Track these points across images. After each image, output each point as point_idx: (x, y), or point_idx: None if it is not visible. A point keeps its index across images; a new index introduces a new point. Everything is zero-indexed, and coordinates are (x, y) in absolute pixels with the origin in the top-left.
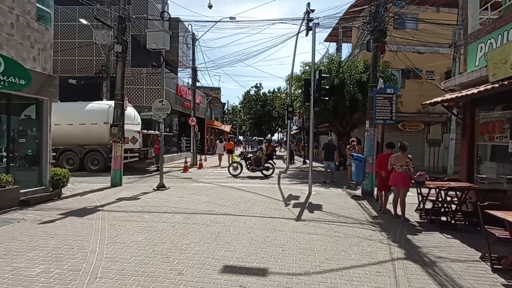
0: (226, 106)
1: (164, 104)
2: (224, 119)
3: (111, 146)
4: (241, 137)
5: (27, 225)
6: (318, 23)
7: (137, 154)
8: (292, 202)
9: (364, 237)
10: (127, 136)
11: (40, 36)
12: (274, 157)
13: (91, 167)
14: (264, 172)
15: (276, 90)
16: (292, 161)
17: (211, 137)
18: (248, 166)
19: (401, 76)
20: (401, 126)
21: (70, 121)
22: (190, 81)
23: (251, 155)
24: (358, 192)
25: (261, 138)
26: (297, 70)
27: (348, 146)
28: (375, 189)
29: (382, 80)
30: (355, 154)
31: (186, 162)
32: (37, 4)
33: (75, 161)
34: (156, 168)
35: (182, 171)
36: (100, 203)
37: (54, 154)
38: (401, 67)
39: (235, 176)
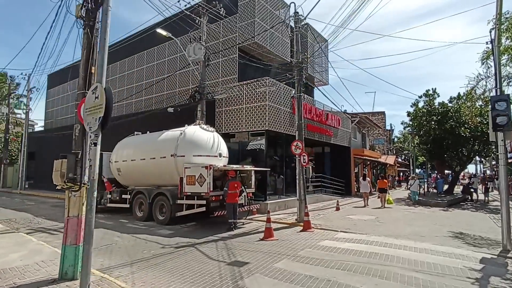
0: (393, 134)
1: (97, 97)
2: (391, 149)
3: (179, 187)
4: (418, 171)
5: None
6: None
7: (204, 202)
8: None
9: None
10: (192, 174)
11: None
12: None
13: (158, 216)
14: None
15: (463, 94)
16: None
17: (365, 171)
18: None
19: None
20: None
21: (143, 155)
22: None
23: None
24: None
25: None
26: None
27: None
28: None
29: None
30: None
31: (268, 220)
32: None
33: (145, 207)
34: (230, 226)
35: (262, 236)
36: None
37: (128, 197)
38: None
39: None
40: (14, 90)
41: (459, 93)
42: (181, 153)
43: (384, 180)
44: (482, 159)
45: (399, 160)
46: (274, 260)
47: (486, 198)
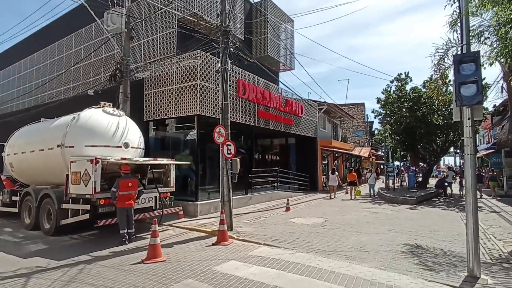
0: (373, 126)
1: None
2: (371, 142)
3: (65, 187)
4: (396, 163)
5: None
6: None
7: (88, 207)
8: None
9: None
10: (78, 170)
11: None
12: None
13: (45, 224)
14: None
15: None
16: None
17: (335, 165)
18: None
19: None
20: None
21: (33, 147)
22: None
23: None
24: None
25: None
26: None
27: None
28: None
29: None
30: None
31: (154, 234)
32: None
33: (33, 212)
34: (122, 239)
35: (145, 256)
36: None
37: (18, 199)
38: None
39: None
40: None
41: (431, 75)
42: (70, 143)
43: (353, 173)
44: (457, 150)
45: (379, 153)
46: None
47: (461, 192)
